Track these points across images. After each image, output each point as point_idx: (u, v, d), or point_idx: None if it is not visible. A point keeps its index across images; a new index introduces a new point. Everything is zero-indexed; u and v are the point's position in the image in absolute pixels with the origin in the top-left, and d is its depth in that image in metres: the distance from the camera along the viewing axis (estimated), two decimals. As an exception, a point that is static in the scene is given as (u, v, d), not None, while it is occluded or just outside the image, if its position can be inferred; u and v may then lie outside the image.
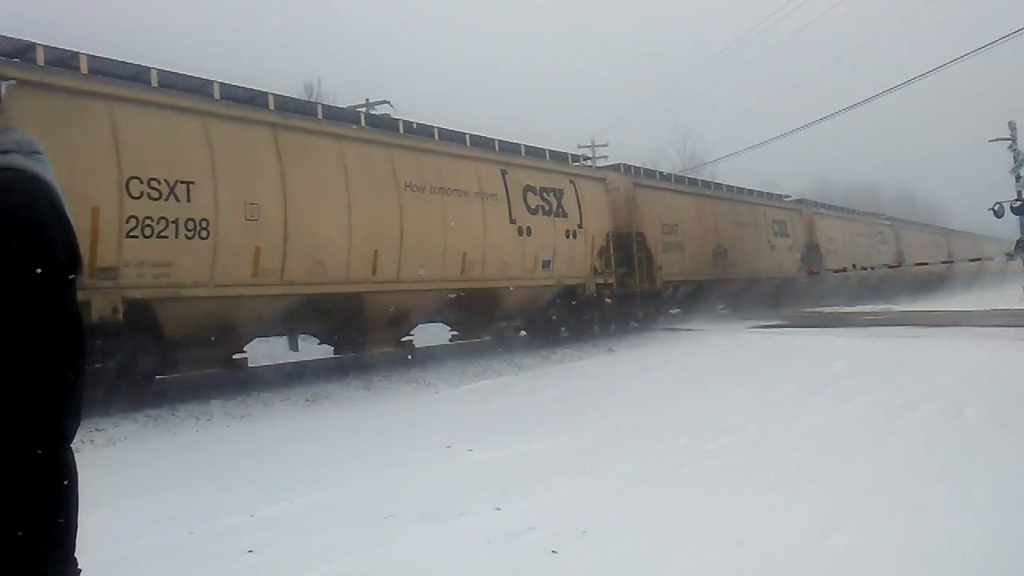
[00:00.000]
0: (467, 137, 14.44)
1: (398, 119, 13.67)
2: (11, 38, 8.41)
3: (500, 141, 15.26)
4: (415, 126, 13.39)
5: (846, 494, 4.52)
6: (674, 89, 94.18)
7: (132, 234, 8.61)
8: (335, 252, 11.07)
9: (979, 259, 37.83)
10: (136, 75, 9.46)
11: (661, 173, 22.90)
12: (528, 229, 14.79)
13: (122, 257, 8.57)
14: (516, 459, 6.00)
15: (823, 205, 32.19)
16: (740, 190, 25.64)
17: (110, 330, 8.59)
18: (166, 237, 8.95)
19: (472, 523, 4.28)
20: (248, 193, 9.92)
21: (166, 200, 8.95)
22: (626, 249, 18.02)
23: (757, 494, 4.59)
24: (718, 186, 25.06)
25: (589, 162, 19.17)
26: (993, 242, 50.43)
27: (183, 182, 9.14)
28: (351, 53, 69.34)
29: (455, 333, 15.82)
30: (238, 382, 10.67)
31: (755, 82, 71.01)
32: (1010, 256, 29.50)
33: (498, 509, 4.52)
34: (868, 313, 21.94)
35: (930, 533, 3.76)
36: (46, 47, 8.58)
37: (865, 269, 29.21)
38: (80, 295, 8.28)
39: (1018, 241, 27.26)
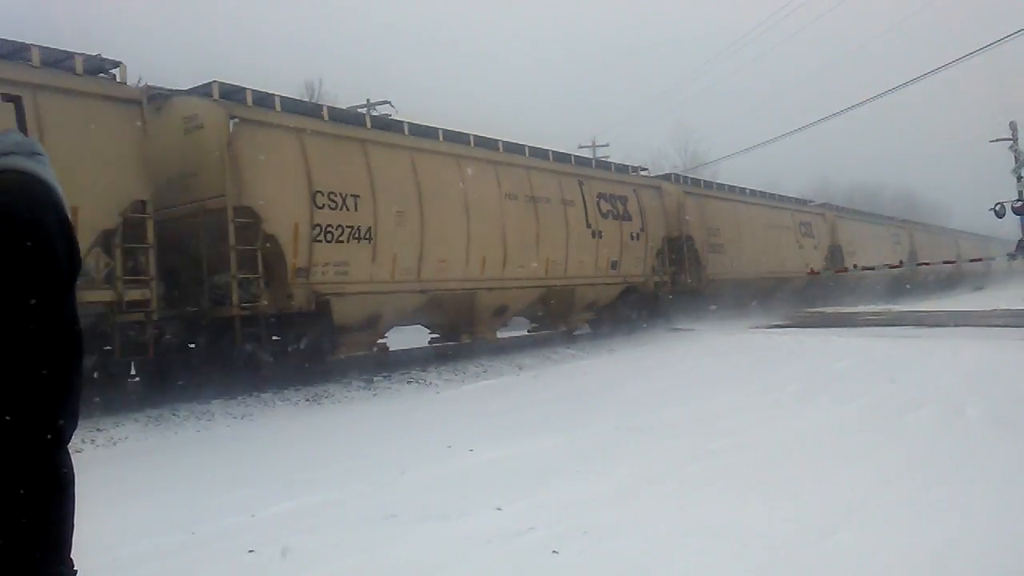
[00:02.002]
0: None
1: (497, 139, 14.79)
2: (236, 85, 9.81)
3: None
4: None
5: (848, 494, 4.52)
6: (675, 89, 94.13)
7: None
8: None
9: (955, 261, 32.61)
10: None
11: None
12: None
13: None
14: (517, 459, 6.00)
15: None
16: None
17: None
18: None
19: (473, 523, 4.28)
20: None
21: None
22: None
23: (759, 494, 4.58)
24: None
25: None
26: (976, 240, 45.87)
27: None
28: (351, 53, 69.27)
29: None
30: (239, 382, 10.67)
31: (756, 82, 71.06)
32: (1012, 256, 29.48)
33: (499, 509, 4.52)
34: (870, 313, 21.90)
35: (932, 533, 3.75)
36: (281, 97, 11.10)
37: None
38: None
39: (1020, 241, 27.24)
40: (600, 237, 16.80)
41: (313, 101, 12.30)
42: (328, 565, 3.75)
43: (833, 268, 26.57)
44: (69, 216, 1.22)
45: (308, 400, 10.03)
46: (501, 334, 16.28)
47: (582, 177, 16.96)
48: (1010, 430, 6.05)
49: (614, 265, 17.34)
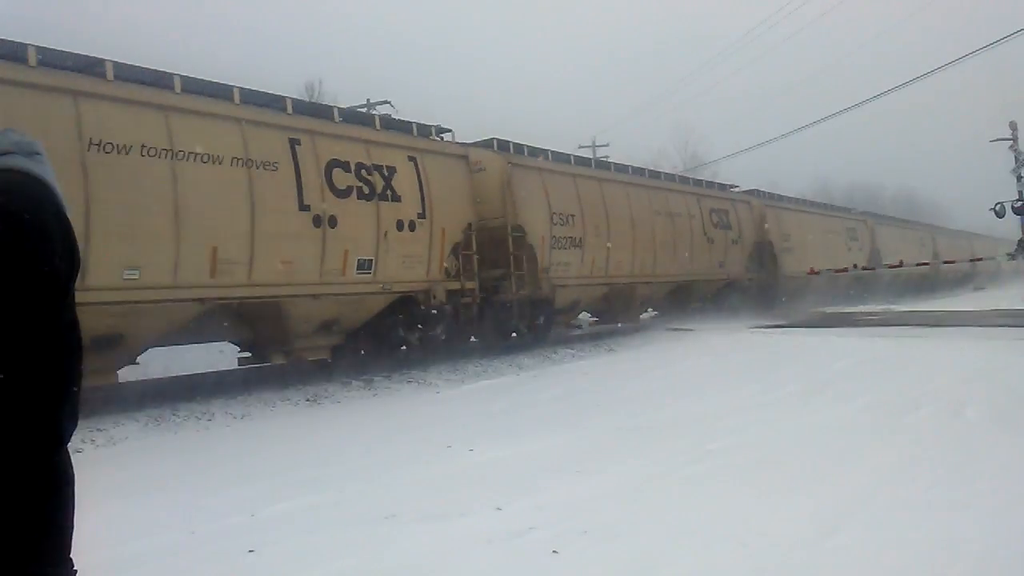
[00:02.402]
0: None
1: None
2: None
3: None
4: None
5: (847, 494, 4.52)
6: (675, 89, 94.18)
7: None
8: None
9: (955, 261, 32.54)
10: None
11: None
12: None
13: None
14: (517, 459, 6.00)
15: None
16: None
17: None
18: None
19: (473, 523, 4.28)
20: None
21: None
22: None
23: (758, 494, 4.59)
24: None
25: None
26: (988, 241, 45.14)
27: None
28: (351, 53, 69.34)
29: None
30: (239, 381, 10.68)
31: (757, 82, 71.12)
32: (1011, 256, 29.44)
33: (499, 509, 4.52)
34: (869, 313, 21.91)
35: (931, 533, 3.75)
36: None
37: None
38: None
39: (1020, 241, 27.20)
40: (712, 243, 21.05)
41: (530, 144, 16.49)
42: (328, 565, 3.75)
43: (867, 267, 29.06)
44: (68, 216, 1.22)
45: (308, 400, 10.03)
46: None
47: (699, 195, 21.28)
48: (1010, 430, 6.06)
49: (721, 265, 21.53)
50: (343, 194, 11.18)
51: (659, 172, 20.84)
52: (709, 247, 20.89)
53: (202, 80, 9.92)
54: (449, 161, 13.56)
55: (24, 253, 1.11)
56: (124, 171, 8.43)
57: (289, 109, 10.89)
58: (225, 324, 10.43)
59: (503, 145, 15.23)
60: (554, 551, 3.74)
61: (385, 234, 11.79)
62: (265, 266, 9.95)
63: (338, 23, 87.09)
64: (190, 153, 9.13)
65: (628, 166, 19.58)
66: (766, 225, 23.82)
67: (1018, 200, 25.61)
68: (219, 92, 10.00)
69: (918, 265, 31.04)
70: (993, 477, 4.72)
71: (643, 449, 6.10)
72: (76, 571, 1.21)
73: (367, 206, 11.58)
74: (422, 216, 12.55)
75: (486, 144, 15.09)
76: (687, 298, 20.65)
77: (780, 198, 26.89)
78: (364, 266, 11.47)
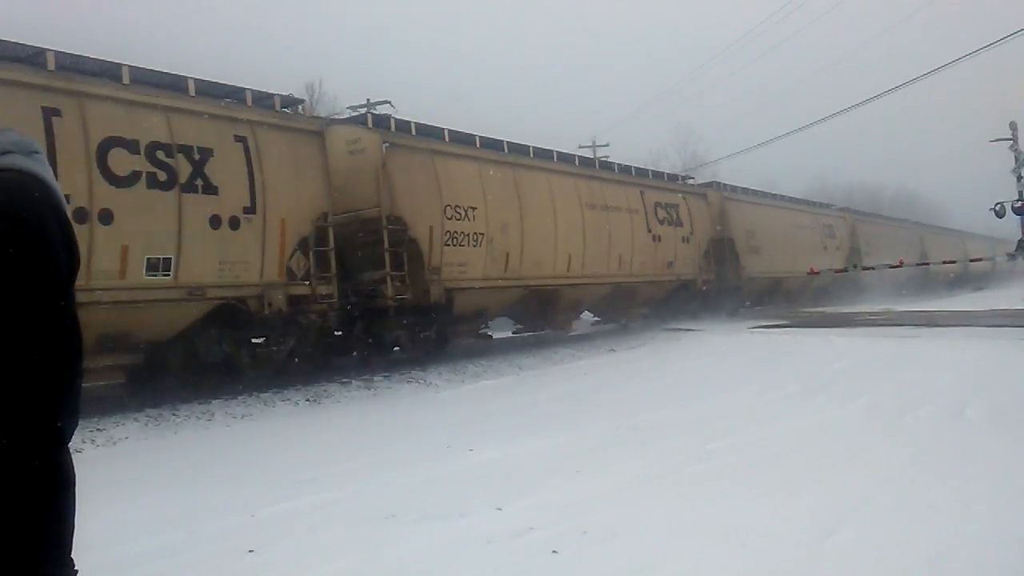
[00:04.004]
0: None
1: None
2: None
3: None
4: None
5: (847, 495, 4.52)
6: (675, 89, 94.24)
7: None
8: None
9: (956, 261, 32.27)
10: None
11: None
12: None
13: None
14: (517, 459, 6.00)
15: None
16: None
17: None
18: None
19: (473, 523, 4.28)
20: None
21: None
22: None
23: (758, 494, 4.58)
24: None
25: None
26: (982, 241, 44.88)
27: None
28: (351, 53, 69.31)
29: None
30: (239, 382, 10.67)
31: (756, 82, 71.15)
32: (1011, 256, 29.42)
33: (499, 509, 4.52)
34: (870, 313, 21.89)
35: (931, 533, 3.75)
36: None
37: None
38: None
39: (1020, 241, 27.19)
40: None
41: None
42: (328, 565, 3.75)
43: (850, 266, 28.06)
44: (68, 215, 1.22)
45: (308, 400, 10.03)
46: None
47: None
48: (1010, 430, 6.05)
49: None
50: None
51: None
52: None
53: None
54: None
55: (23, 252, 1.11)
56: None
57: None
58: None
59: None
60: (554, 551, 3.74)
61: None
62: None
63: (338, 23, 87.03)
64: None
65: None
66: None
67: (1018, 200, 25.59)
68: None
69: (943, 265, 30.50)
70: (993, 477, 4.72)
71: (643, 449, 6.09)
72: (77, 571, 1.21)
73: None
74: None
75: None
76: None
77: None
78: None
